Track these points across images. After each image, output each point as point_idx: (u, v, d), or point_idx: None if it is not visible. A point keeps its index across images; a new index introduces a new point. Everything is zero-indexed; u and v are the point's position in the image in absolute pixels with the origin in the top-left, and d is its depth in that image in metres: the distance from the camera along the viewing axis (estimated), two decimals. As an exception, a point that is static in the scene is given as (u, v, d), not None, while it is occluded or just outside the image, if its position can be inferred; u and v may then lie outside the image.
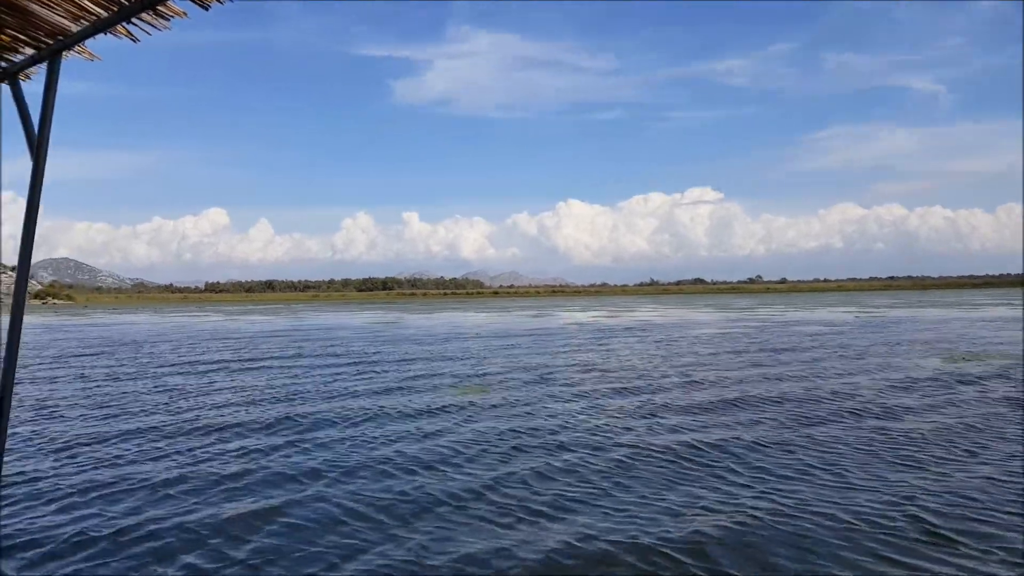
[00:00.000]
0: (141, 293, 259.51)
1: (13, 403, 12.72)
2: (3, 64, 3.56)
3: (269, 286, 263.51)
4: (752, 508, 6.66)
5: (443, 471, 8.24)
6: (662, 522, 6.35)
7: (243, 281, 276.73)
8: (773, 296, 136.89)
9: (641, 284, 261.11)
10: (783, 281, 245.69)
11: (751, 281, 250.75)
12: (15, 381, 3.55)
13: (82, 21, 3.22)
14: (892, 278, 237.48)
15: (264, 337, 34.98)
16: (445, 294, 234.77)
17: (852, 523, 6.21)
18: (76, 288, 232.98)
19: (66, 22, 3.24)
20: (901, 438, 9.59)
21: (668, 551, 5.66)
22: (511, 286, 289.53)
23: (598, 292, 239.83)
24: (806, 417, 11.20)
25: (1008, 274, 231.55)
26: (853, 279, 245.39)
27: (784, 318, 46.15)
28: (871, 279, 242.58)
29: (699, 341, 27.66)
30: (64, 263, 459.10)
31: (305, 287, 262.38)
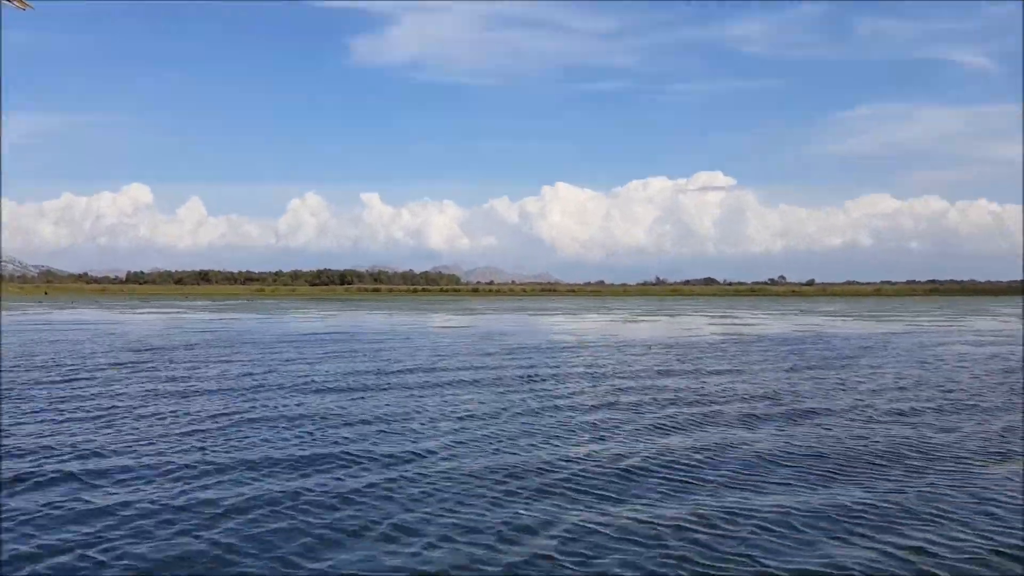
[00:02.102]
0: (51, 283, 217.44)
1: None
2: None
3: (203, 277, 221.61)
4: None
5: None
6: None
7: (172, 271, 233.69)
8: (840, 301, 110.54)
9: (644, 283, 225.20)
10: (811, 283, 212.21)
11: (772, 282, 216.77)
12: None
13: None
14: (934, 281, 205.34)
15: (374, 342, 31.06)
16: (415, 291, 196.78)
17: None
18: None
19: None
20: None
21: None
22: (491, 282, 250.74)
23: (595, 292, 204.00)
24: None
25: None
26: (888, 282, 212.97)
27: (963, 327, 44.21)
28: (909, 282, 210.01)
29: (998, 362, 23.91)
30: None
31: (246, 279, 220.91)
